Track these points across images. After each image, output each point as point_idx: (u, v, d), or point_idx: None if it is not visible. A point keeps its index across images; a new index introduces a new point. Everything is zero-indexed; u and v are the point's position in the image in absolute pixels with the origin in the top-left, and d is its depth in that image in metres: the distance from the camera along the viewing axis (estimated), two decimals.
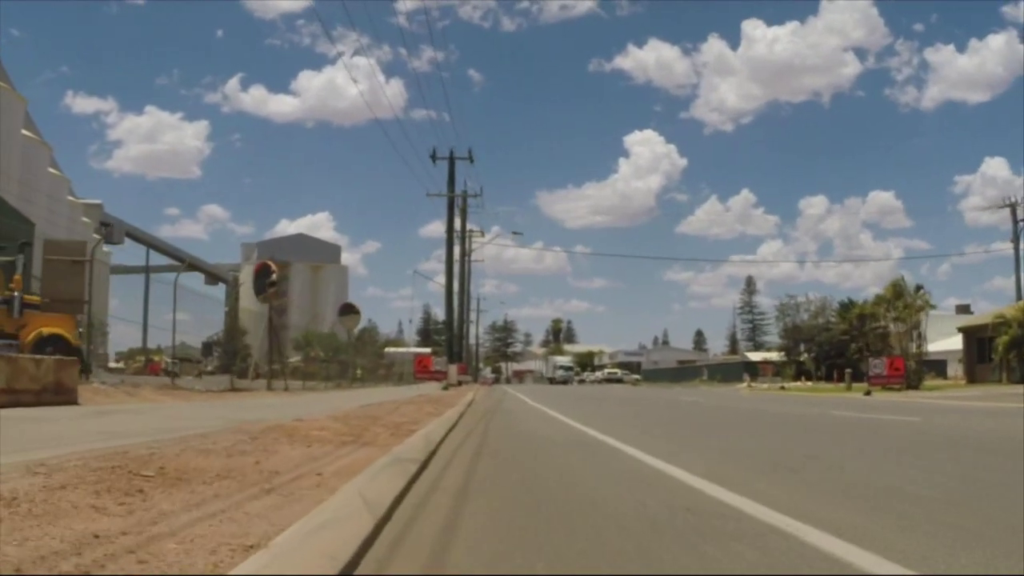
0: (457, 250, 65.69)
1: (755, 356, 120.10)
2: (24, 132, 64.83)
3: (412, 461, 7.99)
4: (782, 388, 61.70)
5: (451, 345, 53.19)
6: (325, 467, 7.09)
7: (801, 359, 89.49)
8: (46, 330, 23.73)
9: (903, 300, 59.00)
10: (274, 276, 36.21)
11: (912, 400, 33.76)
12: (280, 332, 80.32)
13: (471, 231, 69.91)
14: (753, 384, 77.15)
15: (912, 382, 49.18)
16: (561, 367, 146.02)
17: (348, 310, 53.02)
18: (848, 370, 56.40)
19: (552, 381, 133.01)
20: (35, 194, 55.33)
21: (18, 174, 53.41)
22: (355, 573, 3.68)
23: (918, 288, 62.41)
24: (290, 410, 16.57)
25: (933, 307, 64.18)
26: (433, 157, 50.07)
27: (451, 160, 50.01)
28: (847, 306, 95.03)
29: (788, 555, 4.21)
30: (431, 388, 42.98)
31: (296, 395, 30.20)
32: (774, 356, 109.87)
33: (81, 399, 17.59)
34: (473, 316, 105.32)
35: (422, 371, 49.19)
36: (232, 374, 36.81)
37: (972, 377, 59.38)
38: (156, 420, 13.15)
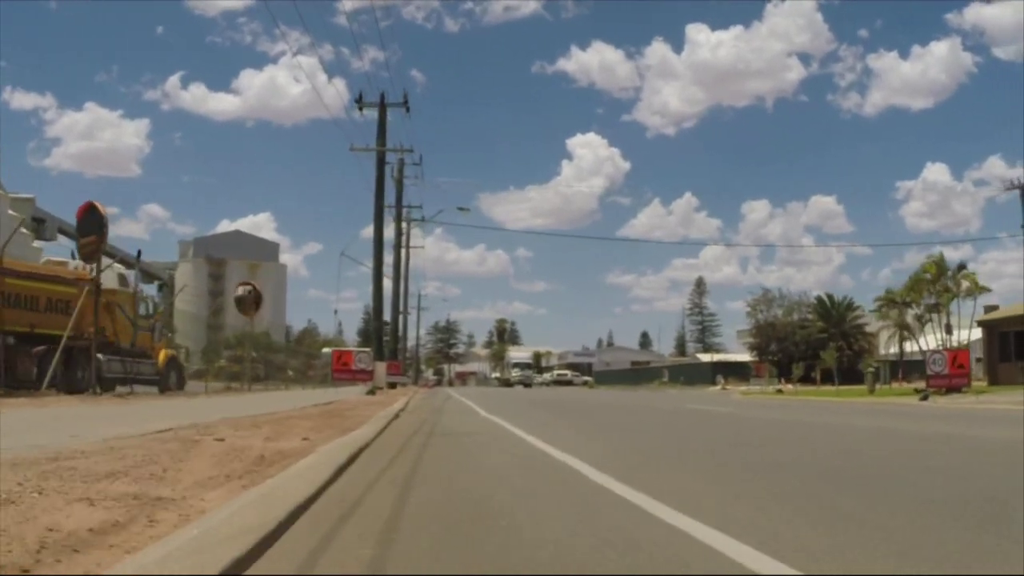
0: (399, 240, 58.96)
1: (729, 357, 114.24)
2: None
3: None
4: (779, 392, 54.99)
5: (379, 337, 44.22)
6: None
7: (774, 358, 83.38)
8: (168, 352, 34.09)
9: (941, 283, 52.70)
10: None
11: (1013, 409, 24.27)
12: (216, 332, 74.72)
13: (408, 207, 62.51)
14: (728, 386, 71.34)
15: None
16: (518, 365, 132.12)
17: (245, 287, 46.72)
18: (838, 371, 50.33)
19: (507, 383, 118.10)
20: None
21: None
22: None
23: (960, 267, 56.21)
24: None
25: (988, 289, 58.14)
26: (359, 104, 42.23)
27: (382, 105, 41.99)
28: (825, 302, 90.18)
29: None
30: (353, 392, 35.72)
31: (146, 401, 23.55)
32: (734, 357, 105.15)
33: None
34: (413, 311, 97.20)
35: (341, 370, 38.18)
36: None
37: (994, 378, 51.85)
38: None
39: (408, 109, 43.33)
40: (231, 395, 33.00)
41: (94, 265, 25.88)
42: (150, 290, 67.26)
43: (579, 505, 5.94)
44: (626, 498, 6.10)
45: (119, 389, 28.52)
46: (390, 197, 51.35)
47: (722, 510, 5.56)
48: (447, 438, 13.18)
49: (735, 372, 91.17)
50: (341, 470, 7.41)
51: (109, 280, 29.42)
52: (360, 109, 42.08)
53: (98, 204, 24.76)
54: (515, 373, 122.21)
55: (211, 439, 9.31)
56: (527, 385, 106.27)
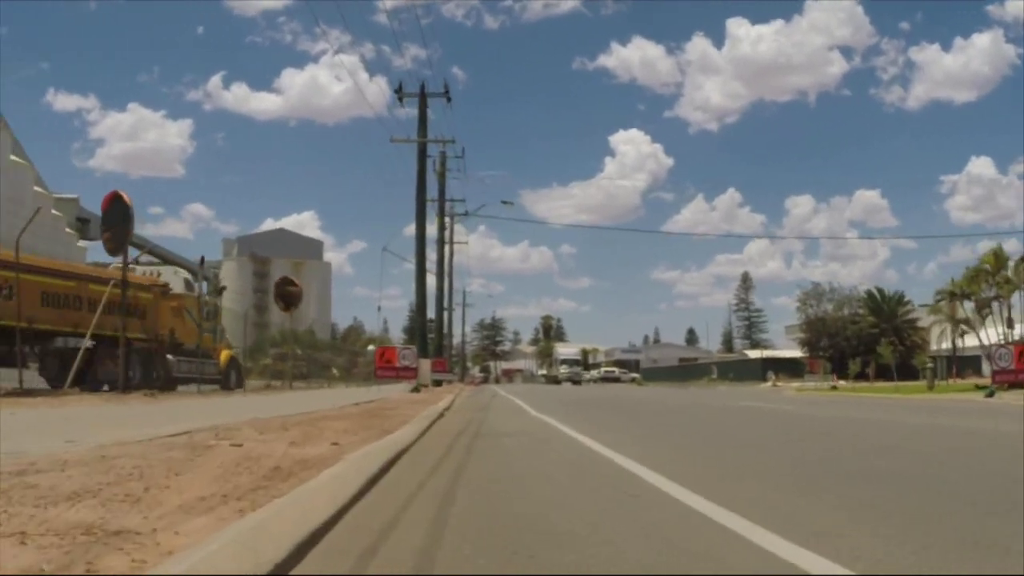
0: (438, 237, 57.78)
1: (778, 353, 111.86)
2: None
3: None
4: (833, 388, 53.39)
5: (423, 333, 43.05)
6: None
7: (825, 354, 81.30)
8: (229, 353, 35.44)
9: (1001, 275, 50.94)
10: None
11: None
12: (262, 330, 74.50)
13: (451, 201, 61.27)
14: (778, 383, 69.75)
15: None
16: (567, 361, 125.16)
17: (285, 284, 45.97)
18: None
19: (555, 380, 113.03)
20: None
21: None
22: None
23: None
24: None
25: None
26: (400, 94, 40.86)
27: (422, 95, 40.52)
28: (875, 297, 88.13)
29: None
30: (397, 390, 34.28)
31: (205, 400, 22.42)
32: (783, 353, 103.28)
33: None
34: (458, 308, 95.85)
35: (385, 367, 36.07)
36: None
37: None
38: None
39: (449, 99, 42.23)
40: (270, 394, 31.85)
41: (155, 269, 29.80)
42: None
43: (659, 527, 4.71)
44: (715, 519, 4.88)
45: (181, 388, 29.50)
46: (433, 191, 50.13)
47: (837, 534, 4.30)
48: (495, 440, 11.94)
49: (785, 368, 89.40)
50: (372, 482, 6.26)
51: (176, 285, 31.71)
52: (400, 100, 41.06)
53: (123, 193, 23.64)
54: (563, 370, 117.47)
55: (227, 444, 8.16)
56: (576, 382, 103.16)
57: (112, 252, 23.83)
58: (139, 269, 31.64)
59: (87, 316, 24.83)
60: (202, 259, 42.09)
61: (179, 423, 10.97)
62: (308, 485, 5.49)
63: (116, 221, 23.22)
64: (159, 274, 32.38)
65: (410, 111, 41.31)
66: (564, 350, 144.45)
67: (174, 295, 30.66)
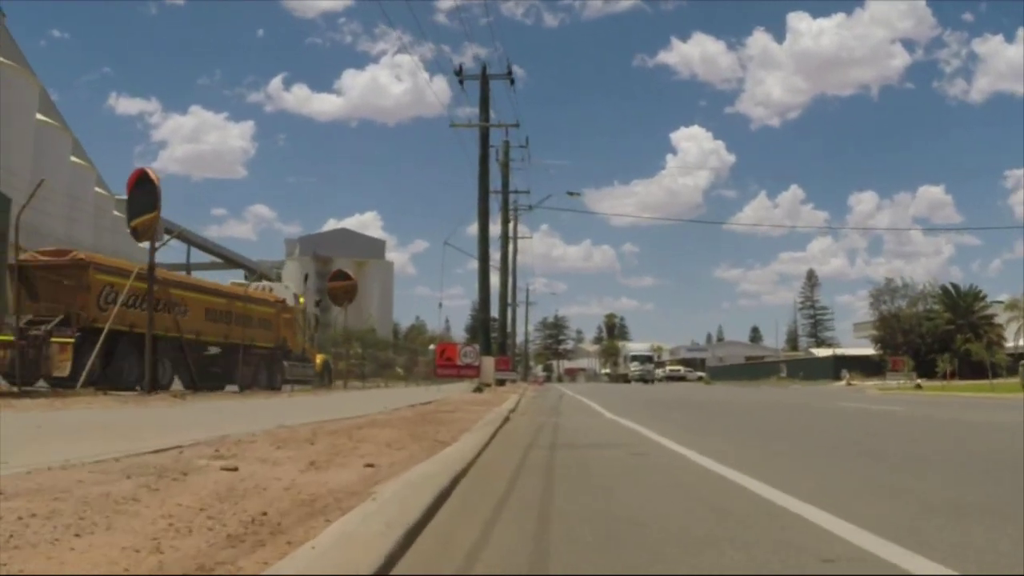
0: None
1: (848, 351, 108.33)
2: (40, 117, 62.33)
3: None
4: (918, 387, 50.71)
5: (486, 330, 40.38)
6: None
7: (900, 352, 77.96)
8: (323, 357, 40.18)
9: None
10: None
11: None
12: (324, 329, 74.00)
13: (515, 192, 58.92)
14: (853, 381, 67.00)
15: None
16: (637, 358, 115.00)
17: (339, 278, 43.47)
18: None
19: (624, 379, 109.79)
20: (51, 189, 49.03)
21: (30, 161, 50.15)
22: None
23: None
24: None
25: None
26: (460, 76, 38.43)
27: (483, 77, 38.10)
28: (951, 293, 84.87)
29: None
30: (458, 389, 32.38)
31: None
32: (853, 350, 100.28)
33: None
34: (520, 306, 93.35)
35: (445, 365, 34.71)
36: None
37: None
38: None
39: (512, 81, 39.90)
40: (322, 394, 29.87)
41: (267, 285, 35.88)
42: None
43: None
44: None
45: (286, 388, 32.85)
46: (496, 183, 47.72)
47: None
48: (578, 455, 9.53)
49: (856, 366, 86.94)
50: (407, 541, 3.95)
51: (288, 299, 36.26)
52: (461, 82, 38.66)
53: (150, 171, 21.51)
54: (634, 367, 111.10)
55: (219, 466, 5.95)
56: (647, 381, 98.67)
57: (140, 238, 21.74)
58: (253, 284, 37.21)
59: (235, 328, 29.62)
60: (306, 276, 46.98)
61: (183, 432, 8.80)
62: (295, 557, 3.23)
63: (146, 206, 21.12)
64: (271, 289, 37.59)
65: (471, 110, 39.08)
66: (635, 346, 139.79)
67: (287, 308, 35.16)
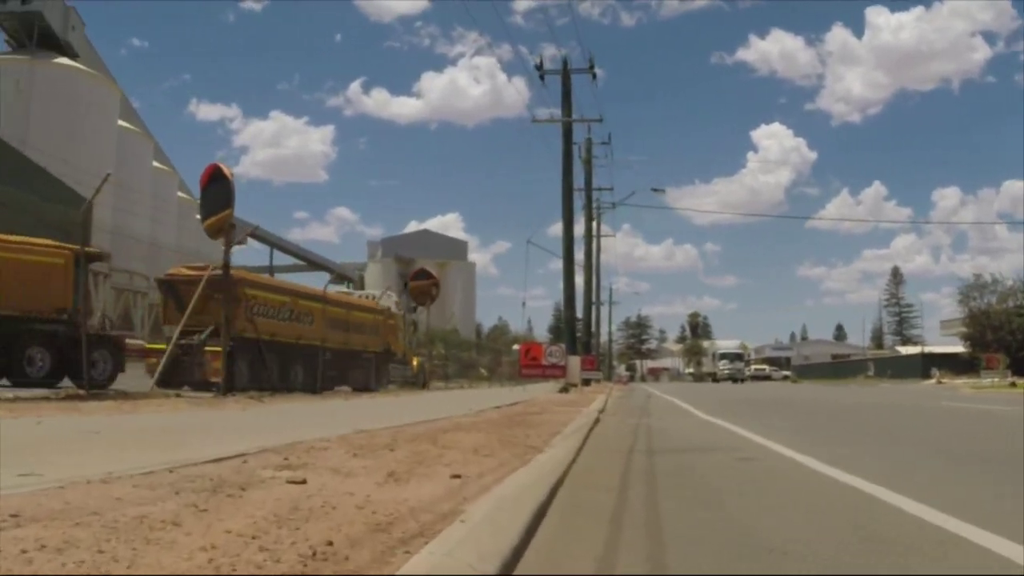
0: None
1: (936, 349, 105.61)
2: (122, 123, 63.29)
3: None
4: (1012, 385, 49.00)
5: (572, 328, 39.37)
6: None
7: (991, 349, 75.61)
8: (419, 359, 42.52)
9: None
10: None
11: None
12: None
13: (598, 190, 58.05)
14: (943, 380, 65.15)
15: None
16: (726, 356, 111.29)
17: (420, 276, 44.57)
18: None
19: (712, 377, 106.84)
20: (134, 188, 53.55)
21: (112, 166, 47.91)
22: None
23: None
24: None
25: None
26: (540, 71, 37.51)
27: (564, 71, 37.20)
28: None
29: None
30: (543, 389, 31.66)
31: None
32: (941, 348, 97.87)
33: None
34: (604, 305, 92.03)
35: (530, 365, 33.90)
36: None
37: None
38: None
39: (595, 75, 39.00)
40: (403, 394, 29.34)
41: (370, 293, 39.97)
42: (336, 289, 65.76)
43: None
44: None
45: (390, 388, 35.62)
46: (579, 181, 46.82)
47: None
48: (681, 461, 8.67)
49: (945, 364, 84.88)
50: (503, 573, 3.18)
51: (392, 307, 39.56)
52: (541, 77, 37.76)
53: (223, 166, 21.01)
54: (723, 365, 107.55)
55: (285, 478, 5.22)
56: (737, 380, 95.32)
57: (214, 236, 21.29)
58: (356, 292, 42.03)
59: (352, 335, 32.62)
60: (405, 285, 46.95)
61: (253, 438, 8.11)
62: None
63: (220, 203, 20.64)
64: (375, 297, 40.67)
65: (550, 111, 38.33)
66: (724, 343, 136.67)
67: (392, 315, 38.14)
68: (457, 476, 5.76)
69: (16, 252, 21.19)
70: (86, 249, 20.83)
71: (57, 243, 22.27)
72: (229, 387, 21.80)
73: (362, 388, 32.14)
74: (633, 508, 5.48)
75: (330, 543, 3.40)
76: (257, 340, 25.72)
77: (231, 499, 4.41)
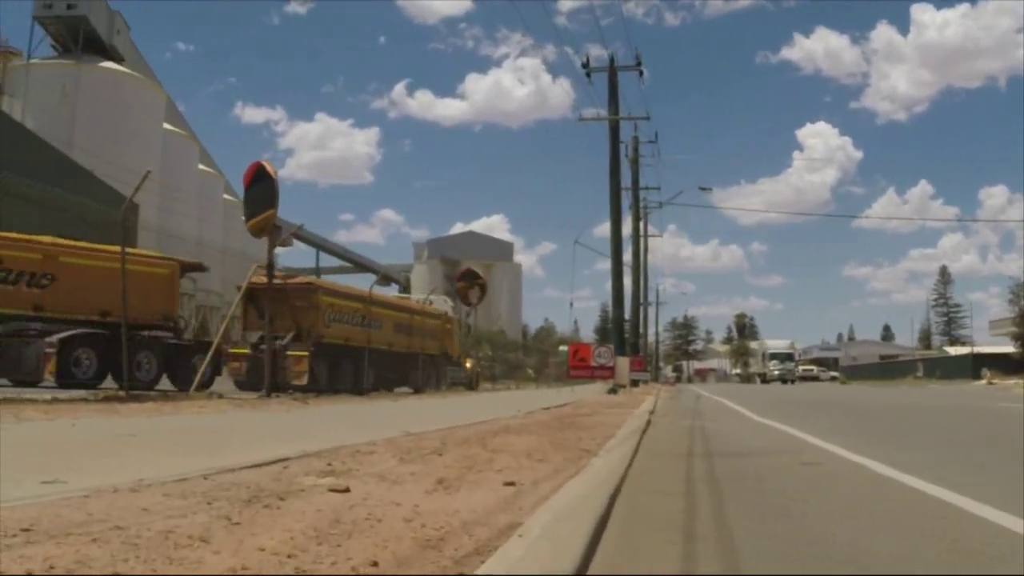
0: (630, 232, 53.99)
1: (986, 349, 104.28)
2: (167, 127, 64.08)
3: None
4: None
5: (620, 329, 38.87)
6: None
7: None
8: (471, 361, 43.75)
9: None
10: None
11: None
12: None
13: (646, 189, 57.59)
14: (994, 380, 64.39)
15: None
16: (776, 356, 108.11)
17: (468, 277, 45.23)
18: None
19: (762, 378, 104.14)
20: (179, 193, 55.34)
21: (158, 169, 47.32)
22: None
23: None
24: None
25: None
26: (587, 68, 37.09)
27: (611, 68, 36.66)
28: None
29: None
30: (591, 390, 31.46)
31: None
32: (992, 348, 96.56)
33: None
34: (651, 305, 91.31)
35: (578, 366, 33.53)
36: None
37: None
38: None
39: (642, 72, 38.59)
40: (450, 396, 29.14)
41: (427, 298, 42.61)
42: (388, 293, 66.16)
43: None
44: None
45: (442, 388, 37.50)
46: (626, 180, 46.41)
47: None
48: (738, 464, 8.24)
49: (995, 365, 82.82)
50: None
51: (448, 311, 42.20)
52: (588, 75, 37.42)
53: (267, 164, 20.77)
54: (772, 365, 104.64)
55: (326, 486, 4.87)
56: (786, 381, 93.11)
57: (258, 234, 21.12)
58: (413, 297, 43.83)
59: (415, 339, 34.40)
60: (467, 288, 45.86)
61: (296, 441, 7.81)
62: None
63: (264, 203, 20.45)
64: (431, 302, 42.23)
65: (596, 111, 37.91)
66: (774, 343, 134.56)
67: (449, 320, 40.48)
68: (510, 483, 5.41)
69: (138, 265, 22.40)
70: (187, 261, 22.85)
71: (162, 255, 23.94)
72: (313, 388, 24.23)
73: (421, 388, 33.74)
74: (698, 518, 5.08)
75: (375, 563, 3.06)
76: (337, 344, 27.62)
77: (268, 510, 4.07)
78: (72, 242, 22.94)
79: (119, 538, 3.23)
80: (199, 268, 28.46)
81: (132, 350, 20.96)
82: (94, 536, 3.24)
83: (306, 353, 25.70)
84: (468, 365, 43.24)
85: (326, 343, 26.95)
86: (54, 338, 21.37)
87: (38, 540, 3.16)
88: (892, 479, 6.86)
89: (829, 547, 4.17)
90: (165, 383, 23.55)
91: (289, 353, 25.38)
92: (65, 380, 20.98)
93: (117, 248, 18.59)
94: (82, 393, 15.22)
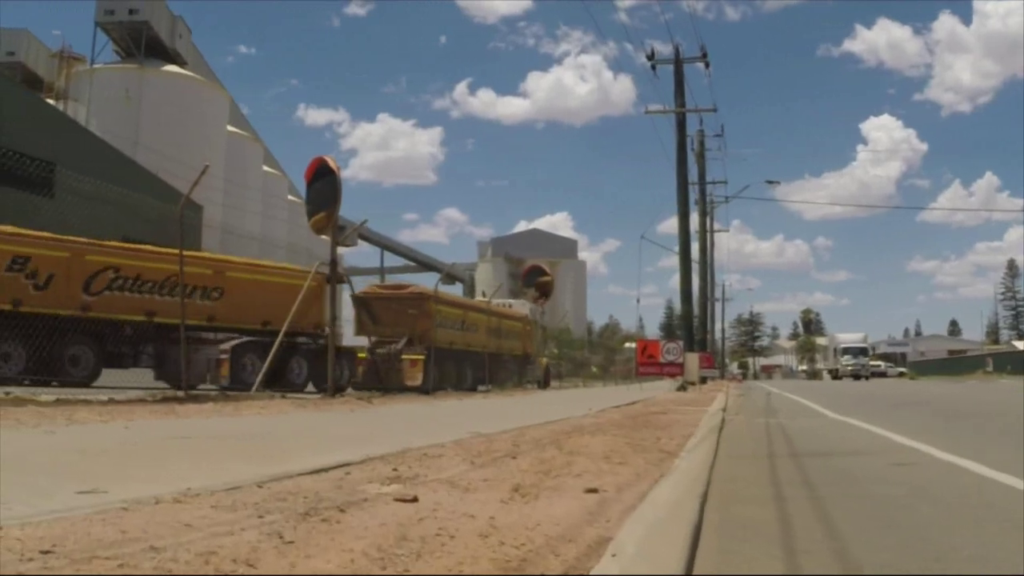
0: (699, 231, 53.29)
1: None
2: (230, 128, 64.22)
3: None
4: None
5: (690, 324, 38.23)
6: None
7: None
8: (545, 360, 45.89)
9: None
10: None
11: None
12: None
13: (712, 183, 57.18)
14: None
15: None
16: (849, 351, 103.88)
17: (536, 274, 47.25)
18: None
19: (834, 374, 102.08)
20: (244, 190, 56.05)
21: (222, 171, 49.75)
22: None
23: None
24: None
25: None
26: (652, 60, 36.62)
27: (677, 61, 36.30)
28: None
29: None
30: (659, 388, 31.03)
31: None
32: None
33: None
34: (717, 301, 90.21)
35: (647, 363, 33.05)
36: None
37: None
38: None
39: (707, 64, 38.07)
40: (517, 394, 28.64)
41: (508, 302, 44.51)
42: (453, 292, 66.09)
43: None
44: None
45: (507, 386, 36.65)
46: (692, 175, 45.74)
47: None
48: (827, 465, 7.68)
49: None
50: None
51: (528, 313, 43.02)
52: (653, 67, 37.07)
53: (330, 159, 20.47)
54: (845, 360, 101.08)
55: (390, 496, 4.43)
56: (859, 377, 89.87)
57: (320, 232, 20.91)
58: (496, 301, 41.35)
59: (503, 341, 36.90)
60: (541, 292, 47.69)
61: (360, 444, 7.43)
62: None
63: (326, 199, 20.13)
64: (511, 305, 43.93)
65: (659, 105, 37.41)
66: (846, 337, 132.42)
67: (529, 322, 41.95)
68: (593, 490, 4.96)
69: (290, 278, 25.47)
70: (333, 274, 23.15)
71: (312, 269, 25.23)
72: (429, 388, 25.83)
73: (501, 387, 34.34)
74: (800, 528, 4.57)
75: None
76: (442, 348, 29.35)
77: (326, 525, 3.65)
78: (237, 258, 26.08)
79: (151, 563, 2.82)
80: (343, 280, 29.17)
81: (286, 355, 23.97)
82: (122, 560, 2.84)
83: (422, 356, 27.56)
84: (543, 363, 44.73)
85: (437, 347, 28.49)
86: (227, 345, 24.03)
87: (56, 565, 2.75)
88: (993, 480, 6.31)
89: (955, 563, 3.64)
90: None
91: (404, 356, 27.66)
92: (236, 383, 22.47)
93: (274, 263, 20.31)
94: (140, 394, 14.94)
